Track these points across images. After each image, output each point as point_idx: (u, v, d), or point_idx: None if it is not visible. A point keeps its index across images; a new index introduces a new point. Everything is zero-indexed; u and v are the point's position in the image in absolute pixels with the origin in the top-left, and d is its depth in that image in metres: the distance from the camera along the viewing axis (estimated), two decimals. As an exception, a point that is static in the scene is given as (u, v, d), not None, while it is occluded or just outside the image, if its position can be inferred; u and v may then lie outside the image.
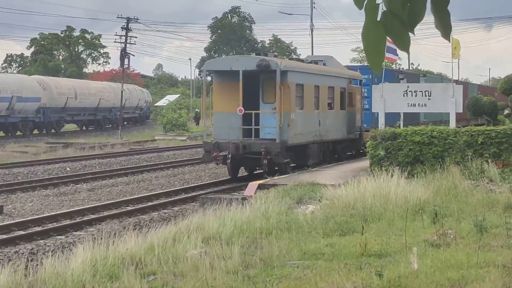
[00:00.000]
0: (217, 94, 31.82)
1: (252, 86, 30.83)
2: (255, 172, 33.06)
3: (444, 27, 3.57)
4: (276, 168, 30.92)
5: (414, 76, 58.28)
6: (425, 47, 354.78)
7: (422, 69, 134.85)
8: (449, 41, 3.69)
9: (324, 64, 36.64)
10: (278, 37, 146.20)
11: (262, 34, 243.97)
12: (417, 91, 28.99)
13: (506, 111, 43.55)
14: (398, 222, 16.46)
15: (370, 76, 40.95)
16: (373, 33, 3.43)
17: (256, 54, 34.60)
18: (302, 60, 36.08)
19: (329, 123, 34.81)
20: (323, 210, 18.71)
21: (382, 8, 3.48)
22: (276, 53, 33.14)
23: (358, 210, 18.20)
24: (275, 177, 27.88)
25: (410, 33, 3.55)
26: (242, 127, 30.34)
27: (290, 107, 30.81)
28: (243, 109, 29.68)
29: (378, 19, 3.46)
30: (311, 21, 48.99)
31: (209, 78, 38.00)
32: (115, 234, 16.05)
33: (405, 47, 3.53)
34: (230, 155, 30.18)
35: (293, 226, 16.61)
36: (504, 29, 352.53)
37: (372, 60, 3.49)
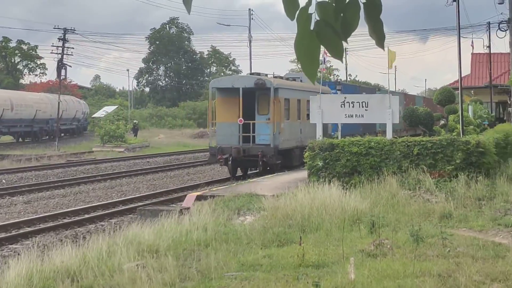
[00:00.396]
0: (220, 107, 37.02)
1: (248, 100, 36.06)
2: (248, 172, 38.53)
3: (378, 35, 3.59)
4: (268, 168, 36.23)
5: (371, 89, 61.58)
6: (363, 58, 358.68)
7: (359, 80, 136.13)
8: (384, 49, 3.72)
9: (301, 81, 42.24)
10: (217, 48, 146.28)
11: (200, 45, 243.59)
12: (354, 102, 29.17)
13: (441, 122, 44.16)
14: (336, 232, 16.53)
15: (337, 90, 46.54)
16: (306, 43, 3.44)
17: (251, 74, 41.39)
18: (287, 78, 42.50)
19: (308, 130, 38.94)
20: (261, 221, 18.70)
21: (315, 17, 3.49)
22: (267, 74, 37.72)
23: (296, 220, 18.23)
24: (214, 188, 27.89)
25: (344, 42, 3.55)
26: (242, 134, 35.93)
27: (280, 118, 36.59)
28: (243, 120, 35.20)
29: (312, 28, 3.47)
30: (249, 32, 49.11)
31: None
32: (51, 246, 15.84)
33: (339, 55, 3.54)
34: (231, 158, 35.40)
35: (231, 238, 16.57)
36: (439, 40, 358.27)
37: (307, 69, 3.52)
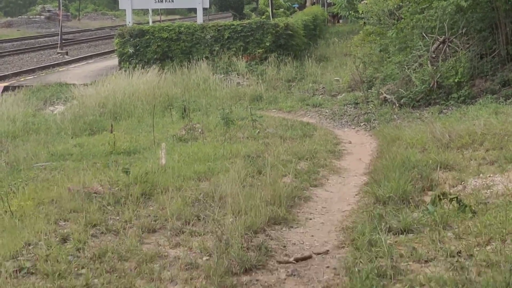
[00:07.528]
0: None
1: None
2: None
3: None
4: None
5: None
6: None
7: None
8: None
9: None
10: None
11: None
12: (164, -13, 28.82)
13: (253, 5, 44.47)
14: (148, 118, 16.52)
15: None
16: None
17: None
18: None
19: None
20: (72, 110, 18.41)
21: None
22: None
23: (109, 108, 18.10)
24: (22, 79, 27.05)
25: None
26: None
27: None
28: None
29: None
30: None
31: None
32: None
33: None
34: None
35: (42, 128, 16.28)
36: None
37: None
